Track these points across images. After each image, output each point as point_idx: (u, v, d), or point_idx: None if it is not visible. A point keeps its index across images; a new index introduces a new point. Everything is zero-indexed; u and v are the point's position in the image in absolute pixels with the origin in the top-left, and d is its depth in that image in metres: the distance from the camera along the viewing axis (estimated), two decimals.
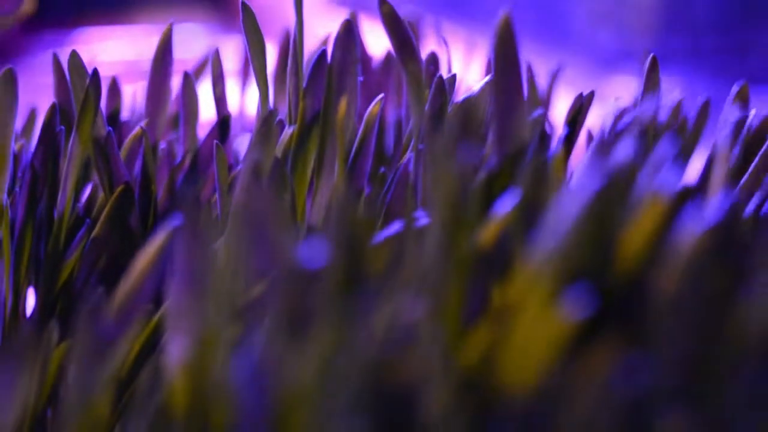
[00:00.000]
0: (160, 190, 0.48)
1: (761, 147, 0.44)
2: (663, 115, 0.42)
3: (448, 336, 0.29)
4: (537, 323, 0.26)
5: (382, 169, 0.42)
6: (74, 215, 0.46)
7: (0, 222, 0.44)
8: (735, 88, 0.52)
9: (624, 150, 0.31)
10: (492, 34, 0.36)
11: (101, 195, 0.47)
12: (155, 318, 0.39)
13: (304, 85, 0.44)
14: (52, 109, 0.46)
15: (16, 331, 0.43)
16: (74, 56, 0.45)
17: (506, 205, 0.32)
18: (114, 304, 0.33)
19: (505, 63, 0.36)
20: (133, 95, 0.59)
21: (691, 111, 0.51)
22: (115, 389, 0.34)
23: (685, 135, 0.37)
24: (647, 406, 0.22)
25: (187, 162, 0.48)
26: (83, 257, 0.45)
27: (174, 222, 0.34)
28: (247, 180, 0.27)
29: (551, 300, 0.26)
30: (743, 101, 0.51)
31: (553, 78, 0.58)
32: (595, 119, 0.47)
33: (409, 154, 0.43)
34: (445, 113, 0.40)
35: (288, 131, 0.42)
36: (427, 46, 0.59)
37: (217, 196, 0.43)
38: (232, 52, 0.72)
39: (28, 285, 0.45)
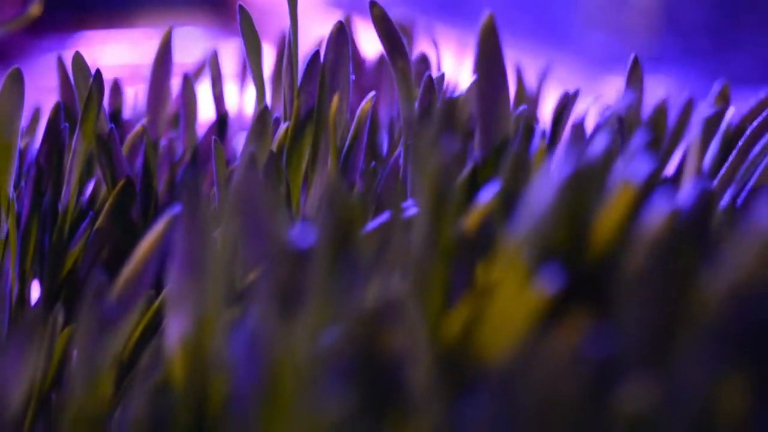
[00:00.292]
0: (161, 185, 0.50)
1: (747, 147, 0.46)
2: (643, 111, 0.44)
3: (432, 313, 0.31)
4: (513, 299, 0.28)
5: (373, 164, 0.44)
6: (78, 208, 0.48)
7: (7, 214, 0.45)
8: (716, 87, 0.54)
9: (600, 141, 0.33)
10: (476, 34, 0.38)
11: (104, 189, 0.49)
12: (156, 303, 0.40)
13: (298, 83, 0.46)
14: (57, 107, 0.48)
15: (22, 319, 0.45)
16: (78, 57, 0.47)
17: (489, 194, 0.34)
18: (116, 288, 0.35)
19: (488, 61, 0.38)
20: (135, 96, 0.61)
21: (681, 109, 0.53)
22: (118, 369, 0.36)
23: (662, 129, 0.38)
24: (612, 371, 0.24)
25: (187, 158, 0.50)
26: (86, 248, 0.47)
27: (174, 210, 0.36)
28: (243, 168, 0.29)
29: (527, 277, 0.28)
30: (724, 99, 0.53)
31: (543, 77, 0.60)
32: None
33: (399, 149, 0.45)
34: (433, 110, 0.42)
35: (283, 127, 0.44)
36: (419, 48, 0.61)
37: (215, 190, 0.45)
38: (230, 55, 0.73)
39: (33, 275, 0.47)
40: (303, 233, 0.29)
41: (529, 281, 0.28)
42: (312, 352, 0.28)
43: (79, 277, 0.47)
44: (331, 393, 0.27)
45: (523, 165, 0.34)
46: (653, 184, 0.30)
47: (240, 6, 0.48)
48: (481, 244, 0.33)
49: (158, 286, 0.42)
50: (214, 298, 0.31)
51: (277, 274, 0.28)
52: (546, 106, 0.61)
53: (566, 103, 0.47)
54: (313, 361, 0.28)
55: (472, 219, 0.34)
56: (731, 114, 0.48)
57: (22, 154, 0.52)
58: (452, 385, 0.28)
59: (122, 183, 0.47)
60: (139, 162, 0.50)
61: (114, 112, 0.55)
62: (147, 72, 0.54)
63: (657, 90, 0.64)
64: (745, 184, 0.42)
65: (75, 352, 0.34)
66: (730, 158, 0.44)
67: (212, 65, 0.55)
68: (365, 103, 0.45)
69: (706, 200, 0.32)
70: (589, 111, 0.42)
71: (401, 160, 0.44)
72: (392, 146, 0.51)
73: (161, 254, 0.38)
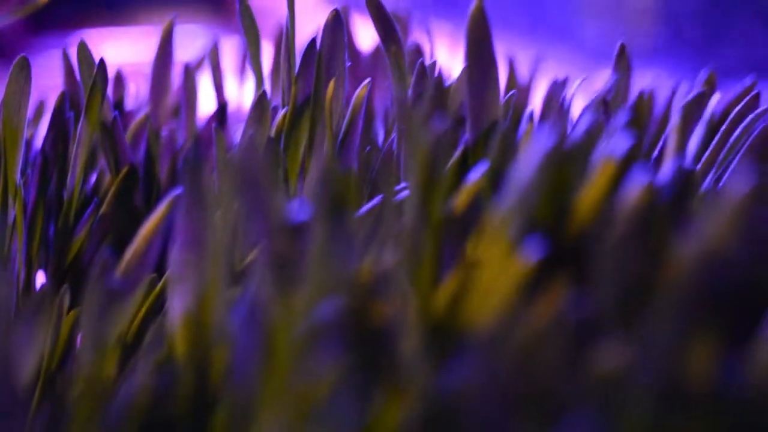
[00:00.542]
0: (163, 173, 0.52)
1: (729, 130, 0.47)
2: (631, 99, 0.45)
3: (424, 285, 0.32)
4: (498, 269, 0.29)
5: (368, 148, 0.45)
6: (83, 195, 0.49)
7: (14, 201, 0.47)
8: (702, 75, 0.55)
9: (583, 122, 0.34)
10: (466, 21, 0.39)
11: (107, 177, 0.50)
12: (159, 285, 0.42)
13: (296, 72, 0.47)
14: (62, 97, 0.50)
15: (29, 301, 0.47)
16: (83, 47, 0.48)
17: (477, 174, 0.35)
18: (122, 266, 0.36)
19: (478, 47, 0.39)
20: (136, 89, 0.62)
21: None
22: (123, 345, 0.37)
23: (644, 112, 0.40)
24: (589, 333, 0.26)
25: (189, 146, 0.51)
26: (91, 233, 0.48)
27: (176, 192, 0.37)
28: (244, 148, 0.30)
29: (511, 249, 0.29)
30: (710, 86, 0.55)
31: (535, 66, 0.61)
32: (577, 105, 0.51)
33: (393, 135, 0.46)
34: (426, 95, 0.44)
35: (281, 113, 0.46)
36: (414, 39, 0.62)
37: (215, 175, 0.46)
38: (229, 52, 0.75)
39: (39, 260, 0.49)
40: (300, 209, 0.30)
41: (513, 253, 0.29)
42: (308, 321, 0.29)
43: (84, 261, 0.48)
44: (326, 360, 0.29)
45: (510, 145, 0.36)
46: (632, 160, 0.32)
47: (241, 1, 0.50)
48: (471, 220, 0.34)
49: (161, 269, 0.43)
50: (215, 274, 0.33)
51: (275, 248, 0.30)
52: (538, 95, 0.63)
53: (556, 90, 0.48)
54: (309, 330, 0.29)
55: (462, 197, 0.35)
56: (716, 101, 0.50)
57: (28, 144, 0.54)
58: (441, 352, 0.29)
59: (126, 170, 0.48)
60: (141, 150, 0.51)
61: (117, 103, 0.56)
62: (148, 67, 0.56)
63: (650, 81, 0.66)
64: (727, 167, 0.43)
65: (81, 330, 0.35)
66: (713, 142, 0.46)
67: (212, 57, 0.57)
68: (360, 90, 0.46)
69: (682, 176, 0.33)
70: (575, 96, 0.44)
71: (395, 146, 0.45)
72: (387, 132, 0.52)
73: (164, 236, 0.40)
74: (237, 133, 0.62)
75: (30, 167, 0.50)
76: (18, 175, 0.47)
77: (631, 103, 0.39)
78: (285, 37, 0.47)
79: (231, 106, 0.59)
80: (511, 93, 0.42)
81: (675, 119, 0.39)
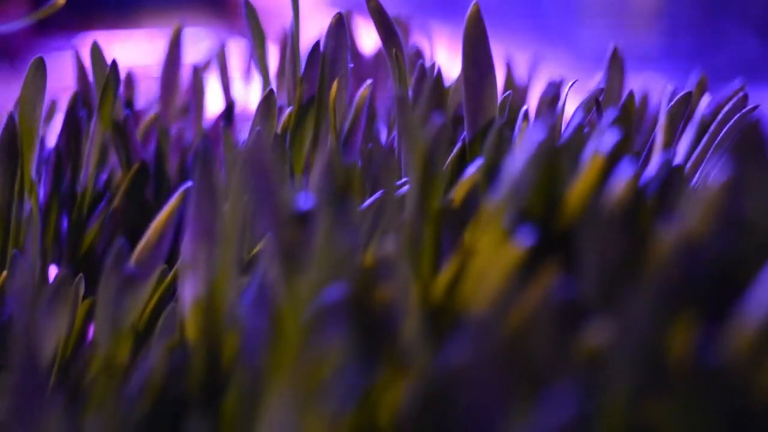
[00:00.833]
0: (172, 169, 0.54)
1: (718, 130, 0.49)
2: (618, 96, 0.47)
3: (424, 273, 0.34)
4: (492, 256, 0.31)
5: (370, 145, 0.47)
6: (95, 190, 0.51)
7: (29, 195, 0.49)
8: (693, 79, 0.57)
9: (575, 119, 0.36)
10: (463, 24, 0.41)
11: (119, 173, 0.52)
12: (170, 275, 0.44)
13: (301, 73, 0.49)
14: (75, 96, 0.52)
15: (44, 292, 0.49)
16: (96, 49, 0.50)
17: (474, 168, 0.37)
18: (136, 255, 0.38)
19: (474, 48, 0.41)
20: (146, 90, 0.64)
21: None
22: (137, 330, 0.39)
23: (633, 111, 0.42)
24: (576, 314, 0.28)
25: (198, 142, 0.53)
26: (104, 227, 0.50)
27: (186, 185, 0.39)
28: (252, 141, 0.32)
29: (504, 237, 0.31)
30: (701, 89, 0.57)
31: (533, 68, 0.63)
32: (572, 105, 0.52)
33: (394, 133, 0.48)
34: (425, 94, 0.46)
35: (287, 112, 0.48)
36: (414, 42, 0.64)
37: (223, 171, 0.48)
38: (235, 54, 0.77)
39: (53, 252, 0.51)
40: (305, 200, 0.32)
41: (506, 241, 0.31)
42: (314, 305, 0.31)
43: (97, 253, 0.50)
44: (331, 341, 0.30)
45: (505, 142, 0.38)
46: (620, 156, 0.34)
47: (246, 1, 0.52)
48: (468, 211, 0.36)
49: (172, 260, 0.45)
50: (225, 262, 0.35)
51: (282, 236, 0.32)
52: (535, 95, 0.65)
53: (551, 91, 0.50)
54: (315, 314, 0.31)
55: (459, 190, 0.37)
56: (706, 102, 0.52)
57: (41, 141, 0.55)
58: (439, 333, 0.31)
59: (137, 166, 0.50)
60: (151, 147, 0.53)
61: (128, 102, 0.58)
62: (154, 68, 0.58)
63: (645, 83, 0.68)
64: (714, 164, 0.45)
65: (97, 315, 0.37)
66: (703, 141, 0.48)
67: (220, 57, 0.59)
68: (363, 90, 0.48)
69: (667, 171, 0.35)
70: (570, 96, 0.46)
71: (396, 143, 0.47)
72: (389, 131, 0.54)
73: (175, 228, 0.42)
74: (243, 131, 0.64)
75: (44, 164, 0.52)
76: (33, 172, 0.49)
77: (621, 103, 0.41)
78: (290, 40, 0.49)
79: (237, 106, 0.61)
80: (507, 93, 0.44)
81: (661, 119, 0.41)
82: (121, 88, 0.59)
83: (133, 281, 0.35)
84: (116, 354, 0.36)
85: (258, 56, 0.50)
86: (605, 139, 0.34)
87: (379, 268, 0.32)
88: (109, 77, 0.49)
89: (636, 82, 0.64)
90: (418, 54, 0.57)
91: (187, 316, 0.35)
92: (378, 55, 0.65)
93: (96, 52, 0.50)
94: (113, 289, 0.36)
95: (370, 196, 0.42)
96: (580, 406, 0.25)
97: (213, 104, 0.62)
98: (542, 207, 0.33)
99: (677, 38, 1.03)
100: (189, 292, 0.35)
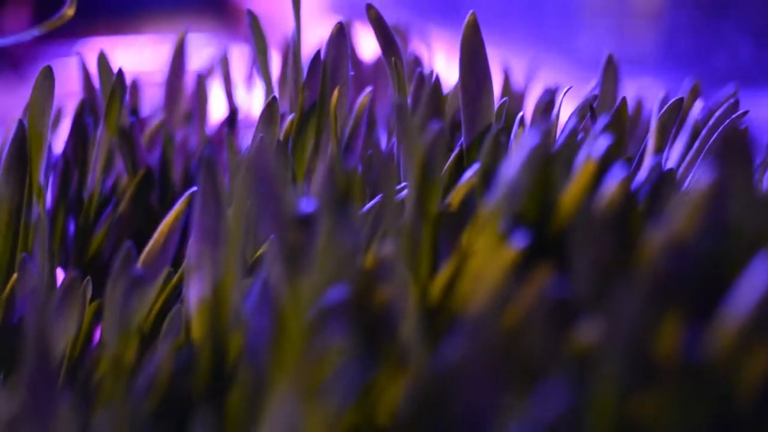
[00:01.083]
0: (177, 175, 0.55)
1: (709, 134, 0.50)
2: (612, 103, 0.48)
3: (423, 274, 0.35)
4: (488, 257, 0.32)
5: (370, 151, 0.48)
6: (102, 195, 0.52)
7: (38, 200, 0.50)
8: (687, 85, 0.59)
9: (568, 125, 0.38)
10: (461, 32, 0.42)
11: (125, 179, 0.53)
12: (175, 278, 0.45)
13: (303, 80, 0.50)
14: (82, 104, 0.53)
15: (52, 295, 0.50)
16: (102, 56, 0.52)
17: (471, 173, 0.39)
18: (143, 257, 0.39)
19: (471, 56, 0.42)
20: (150, 95, 0.66)
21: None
22: (144, 330, 0.40)
23: (626, 118, 0.43)
24: (568, 312, 0.29)
25: (202, 148, 0.55)
26: (110, 231, 0.51)
27: (192, 190, 0.40)
28: (255, 147, 0.33)
29: (500, 240, 0.32)
30: (695, 94, 0.58)
31: (530, 75, 0.64)
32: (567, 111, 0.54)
33: (394, 140, 0.49)
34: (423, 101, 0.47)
35: (289, 119, 0.49)
36: (413, 49, 0.65)
37: (227, 177, 0.49)
38: (236, 60, 0.78)
39: (60, 256, 0.52)
40: (307, 203, 0.33)
41: (501, 243, 0.32)
42: (316, 305, 0.32)
43: (104, 256, 0.51)
44: (332, 340, 0.31)
45: (500, 147, 0.39)
46: (612, 160, 0.35)
47: (248, 11, 0.53)
48: (465, 214, 0.37)
49: (177, 264, 0.46)
50: (229, 264, 0.36)
51: (285, 238, 0.33)
52: (532, 102, 0.66)
53: (546, 97, 0.51)
54: (317, 314, 0.32)
55: (457, 194, 0.38)
56: (699, 108, 0.53)
57: (49, 148, 0.57)
58: (437, 332, 0.32)
59: (142, 172, 0.51)
60: (157, 154, 0.54)
61: (133, 109, 0.59)
62: (156, 74, 0.59)
63: (642, 89, 0.69)
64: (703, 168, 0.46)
65: (105, 314, 0.38)
66: (695, 145, 0.49)
67: (223, 64, 0.60)
68: (363, 97, 0.49)
69: (658, 174, 0.36)
70: (565, 102, 0.47)
71: (396, 149, 0.48)
72: (389, 137, 0.55)
73: (181, 231, 0.43)
74: (246, 138, 0.65)
75: (52, 170, 0.53)
76: (41, 177, 0.50)
77: (614, 109, 0.42)
78: (292, 48, 0.50)
79: (240, 113, 0.62)
80: (503, 100, 0.45)
81: (653, 124, 0.42)
82: (127, 96, 0.60)
83: (140, 283, 0.36)
84: (124, 353, 0.37)
85: (260, 64, 0.51)
86: (597, 144, 0.36)
87: (378, 270, 0.33)
88: (115, 85, 0.50)
89: (634, 88, 0.65)
90: (417, 62, 0.58)
91: (193, 316, 0.36)
92: (378, 63, 0.66)
93: (102, 60, 0.51)
94: (121, 291, 0.37)
95: (371, 200, 0.43)
96: (571, 400, 0.26)
97: (216, 111, 0.63)
98: (536, 211, 0.34)
99: (677, 43, 1.05)
100: (194, 293, 0.37)
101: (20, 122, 0.45)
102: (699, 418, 0.27)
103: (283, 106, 0.55)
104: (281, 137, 0.48)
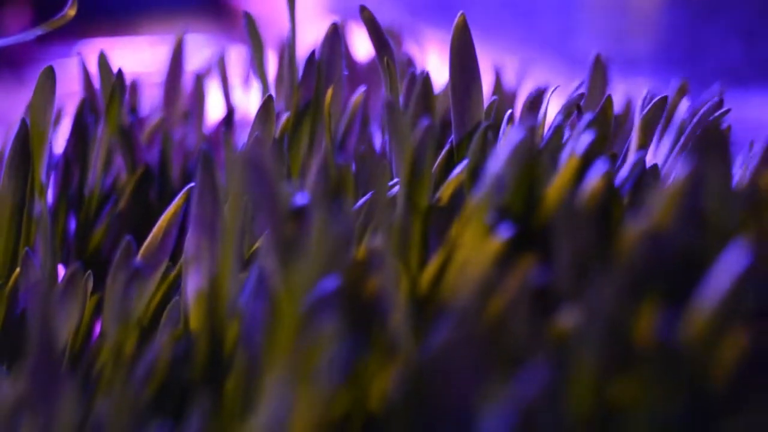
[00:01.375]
0: (176, 172, 0.56)
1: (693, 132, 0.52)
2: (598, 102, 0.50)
3: (411, 264, 0.37)
4: (474, 248, 0.33)
5: (363, 148, 0.49)
6: (102, 192, 0.54)
7: (40, 198, 0.51)
8: (674, 85, 0.60)
9: (554, 122, 0.39)
10: (449, 33, 0.44)
11: (124, 176, 0.55)
12: (173, 272, 0.46)
13: (298, 79, 0.51)
14: (82, 103, 0.54)
15: (53, 290, 0.51)
16: (102, 57, 0.53)
17: (460, 168, 0.40)
18: (143, 251, 0.41)
19: (461, 56, 0.44)
20: (148, 95, 0.67)
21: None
22: (142, 323, 0.42)
23: (610, 114, 0.44)
24: (550, 298, 0.30)
25: (200, 146, 0.56)
26: (110, 227, 0.52)
27: (190, 186, 0.41)
28: (251, 144, 0.35)
29: (486, 231, 0.34)
30: (682, 93, 0.59)
31: (521, 74, 0.66)
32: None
33: (386, 137, 0.50)
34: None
35: (285, 117, 0.50)
36: (407, 49, 0.66)
37: (224, 175, 0.51)
38: (234, 60, 0.79)
39: (62, 251, 0.53)
40: (301, 196, 0.34)
41: (487, 235, 0.34)
42: (309, 295, 0.33)
43: (104, 252, 0.53)
44: (324, 329, 0.33)
45: (488, 144, 0.40)
46: (595, 156, 0.36)
47: (245, 12, 0.54)
48: (455, 208, 0.38)
49: (175, 258, 0.47)
50: (226, 256, 0.37)
51: (279, 231, 0.34)
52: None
53: (535, 95, 0.52)
54: (310, 303, 0.33)
55: (446, 189, 0.40)
56: (686, 106, 0.54)
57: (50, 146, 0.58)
58: (426, 321, 0.33)
59: (142, 169, 0.53)
60: (155, 152, 0.56)
61: (132, 108, 0.61)
62: (154, 75, 0.61)
63: (633, 88, 0.70)
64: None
65: (106, 305, 0.40)
66: (680, 143, 0.50)
67: (220, 65, 0.61)
68: (357, 96, 0.51)
69: (640, 169, 0.38)
70: (554, 101, 0.48)
71: (387, 146, 0.50)
72: (382, 134, 0.56)
73: (179, 226, 0.44)
74: (243, 136, 0.66)
75: (53, 168, 0.54)
76: (43, 174, 0.52)
77: (600, 106, 0.43)
78: (287, 48, 0.51)
79: (238, 112, 0.63)
80: (493, 98, 0.47)
81: (636, 122, 0.44)
82: (126, 95, 0.62)
83: (139, 275, 0.37)
84: (124, 342, 0.38)
85: (257, 64, 0.53)
86: (581, 140, 0.37)
87: (369, 261, 0.34)
88: (115, 85, 0.51)
89: (628, 87, 0.66)
90: (410, 62, 0.59)
91: (191, 307, 0.38)
92: (372, 63, 0.67)
93: (103, 61, 0.52)
94: (121, 282, 0.38)
95: (363, 196, 0.44)
96: (551, 382, 0.27)
97: (214, 110, 0.65)
98: (522, 204, 0.36)
99: (673, 43, 1.06)
100: (192, 285, 0.38)
101: (23, 121, 0.47)
102: (673, 399, 0.28)
103: (280, 105, 0.57)
104: (277, 135, 0.49)
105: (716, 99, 0.52)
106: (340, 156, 0.49)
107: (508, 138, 0.35)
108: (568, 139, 0.40)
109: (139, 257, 0.42)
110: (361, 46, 0.69)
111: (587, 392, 0.28)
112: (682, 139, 0.50)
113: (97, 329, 0.48)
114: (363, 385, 0.33)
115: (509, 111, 0.45)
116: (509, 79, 0.66)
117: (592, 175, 0.34)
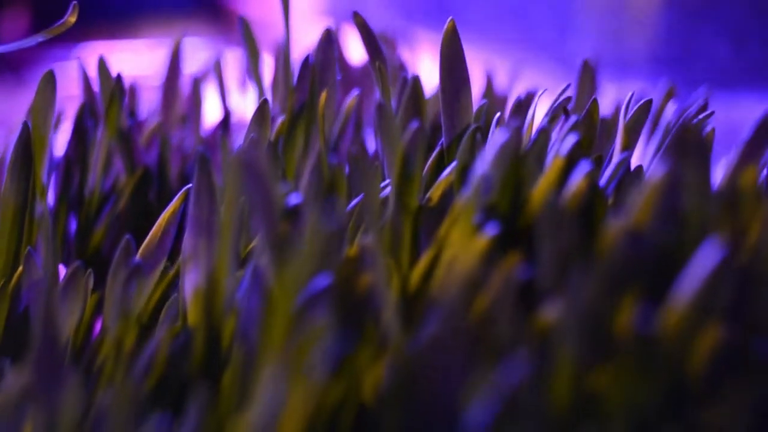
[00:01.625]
0: (174, 174, 0.57)
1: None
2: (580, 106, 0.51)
3: (402, 263, 0.38)
4: (462, 246, 0.35)
5: (355, 150, 0.50)
6: (102, 194, 0.55)
7: (41, 199, 0.52)
8: (663, 88, 0.61)
9: (541, 126, 0.40)
10: (440, 38, 0.45)
11: (124, 178, 0.56)
12: (172, 272, 0.47)
13: (293, 83, 0.53)
14: (82, 106, 0.55)
15: (55, 288, 0.52)
16: (102, 61, 0.54)
17: (449, 171, 0.41)
18: (142, 249, 0.42)
19: (451, 61, 0.45)
20: (148, 100, 0.68)
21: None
22: (141, 320, 0.43)
23: (596, 116, 0.45)
24: (533, 293, 0.31)
25: (197, 148, 0.57)
26: (109, 228, 0.54)
27: (188, 187, 0.43)
28: (246, 145, 0.36)
29: (473, 230, 0.35)
30: (669, 97, 0.60)
31: (512, 78, 0.67)
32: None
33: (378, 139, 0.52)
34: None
35: (280, 120, 0.51)
36: (401, 52, 0.68)
37: (221, 177, 0.52)
38: (230, 64, 0.80)
39: (63, 251, 0.54)
40: (295, 196, 0.36)
41: (474, 233, 0.35)
42: (302, 290, 0.35)
43: (103, 253, 0.54)
44: (317, 323, 0.34)
45: (477, 145, 0.42)
46: (579, 157, 0.37)
47: (241, 17, 0.55)
48: (444, 209, 0.40)
49: (173, 258, 0.49)
50: (223, 254, 0.38)
51: (274, 229, 0.35)
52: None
53: (524, 99, 0.54)
54: (304, 299, 0.35)
55: (436, 190, 0.41)
56: (672, 109, 0.56)
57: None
58: (416, 316, 0.35)
59: (140, 171, 0.54)
60: (154, 154, 0.57)
61: (131, 112, 0.62)
62: (151, 78, 0.62)
63: (625, 91, 0.71)
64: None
65: (107, 302, 0.41)
66: (665, 145, 0.52)
67: (216, 69, 0.62)
68: (350, 100, 0.52)
69: (623, 169, 0.39)
70: (542, 104, 0.49)
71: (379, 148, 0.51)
72: (376, 137, 0.58)
73: (177, 226, 0.46)
74: (239, 139, 0.67)
75: (54, 170, 0.55)
76: (44, 176, 0.53)
77: (586, 109, 0.44)
78: (282, 53, 0.53)
79: (234, 116, 0.64)
80: (483, 102, 0.48)
81: (620, 124, 0.45)
82: (125, 99, 0.63)
83: (139, 272, 0.38)
84: (124, 338, 0.39)
85: (252, 68, 0.54)
86: (565, 142, 0.38)
87: (361, 258, 0.35)
88: (114, 89, 0.53)
89: (620, 90, 0.67)
90: (402, 66, 0.60)
91: (189, 304, 0.39)
92: (366, 66, 0.68)
93: (102, 65, 0.54)
94: (122, 280, 0.39)
95: (356, 197, 0.45)
96: (533, 370, 0.29)
97: (211, 113, 0.66)
98: (508, 204, 0.37)
99: (669, 46, 1.07)
100: (190, 282, 0.39)
101: (25, 124, 0.48)
102: (649, 388, 0.29)
103: (275, 108, 0.58)
104: (272, 138, 0.50)
105: (701, 101, 0.54)
106: (333, 158, 0.50)
107: (494, 140, 0.37)
108: (554, 142, 0.41)
109: (138, 256, 0.43)
110: (356, 49, 0.70)
111: (567, 381, 0.29)
112: (668, 141, 0.51)
113: (98, 327, 0.49)
114: (355, 377, 0.34)
115: (498, 114, 0.46)
116: (502, 82, 0.67)
117: (576, 176, 0.35)
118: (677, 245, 0.32)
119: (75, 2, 0.46)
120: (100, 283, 0.47)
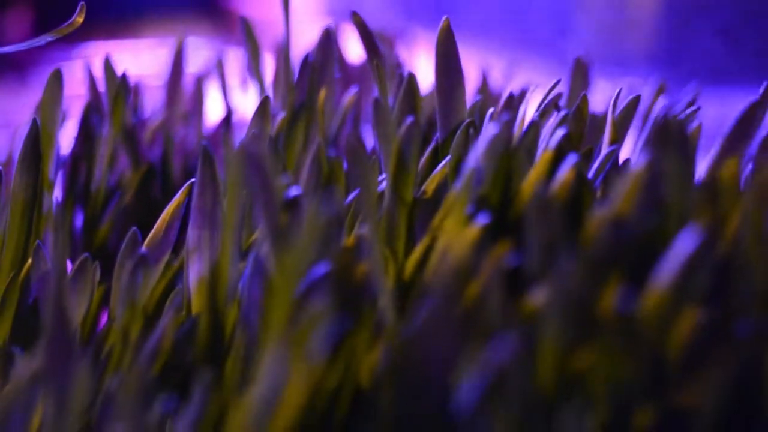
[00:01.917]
0: (177, 170, 0.59)
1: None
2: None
3: (398, 253, 0.40)
4: (454, 235, 0.36)
5: (354, 145, 0.52)
6: (107, 189, 0.56)
7: (48, 194, 0.54)
8: (653, 84, 0.63)
9: (530, 121, 0.42)
10: (436, 37, 0.46)
11: (129, 174, 0.58)
12: (177, 261, 0.49)
13: (294, 81, 0.54)
14: (88, 105, 0.57)
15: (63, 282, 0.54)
16: (107, 61, 0.56)
17: (443, 164, 0.43)
18: (147, 241, 0.44)
19: (446, 59, 0.47)
20: (151, 98, 0.70)
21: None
22: (147, 309, 0.44)
23: (585, 112, 0.47)
24: (521, 279, 0.33)
25: (200, 145, 0.59)
26: (115, 222, 0.55)
27: (191, 181, 0.44)
28: (249, 140, 0.37)
29: (465, 220, 0.36)
30: (660, 93, 0.62)
31: (507, 75, 0.68)
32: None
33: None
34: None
35: (280, 117, 0.53)
36: (399, 51, 0.69)
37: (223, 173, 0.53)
38: (232, 63, 0.82)
39: (70, 245, 0.56)
40: (295, 188, 0.37)
41: (466, 223, 0.36)
42: (302, 278, 0.36)
43: (109, 246, 0.55)
44: (316, 308, 0.36)
45: (470, 139, 0.43)
46: (568, 151, 0.39)
47: (242, 17, 0.57)
48: (439, 201, 0.41)
49: (177, 251, 0.50)
50: (226, 245, 0.40)
51: (274, 220, 0.37)
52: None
53: (516, 95, 0.55)
54: (304, 287, 0.36)
55: (431, 183, 0.43)
56: (661, 105, 0.57)
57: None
58: (410, 301, 0.36)
59: (145, 168, 0.56)
60: (158, 151, 0.59)
61: (135, 110, 0.64)
62: (156, 78, 0.64)
63: (618, 87, 0.73)
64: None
65: (113, 292, 0.42)
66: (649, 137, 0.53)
67: (218, 67, 0.64)
68: (349, 97, 0.54)
69: (610, 162, 0.40)
70: (534, 100, 0.51)
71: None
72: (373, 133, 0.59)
73: (181, 219, 0.47)
74: (241, 136, 0.69)
75: (61, 166, 0.57)
76: (52, 172, 0.54)
77: (575, 104, 0.46)
78: (282, 52, 0.54)
79: (236, 114, 0.66)
80: (477, 98, 0.49)
81: (608, 119, 0.47)
82: (130, 97, 0.65)
83: (145, 263, 0.40)
84: (131, 326, 0.41)
85: (253, 67, 0.56)
86: (554, 136, 0.40)
87: (358, 247, 0.37)
88: (119, 88, 0.54)
89: (615, 86, 0.69)
90: (399, 65, 0.62)
91: (193, 293, 0.41)
92: (365, 64, 0.70)
93: (108, 65, 0.55)
94: (128, 270, 0.41)
95: (354, 190, 0.47)
96: (521, 350, 0.30)
97: (213, 111, 0.68)
98: (499, 195, 0.38)
99: (665, 43, 1.09)
100: (194, 272, 0.41)
101: (34, 121, 0.49)
102: (631, 367, 0.31)
103: (276, 106, 0.60)
104: (273, 134, 0.52)
105: (690, 97, 0.55)
106: (332, 152, 0.52)
107: (484, 133, 0.38)
108: (544, 136, 0.43)
109: (145, 246, 0.45)
110: (354, 48, 0.71)
111: (553, 361, 0.31)
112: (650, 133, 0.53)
113: (104, 319, 0.51)
114: (352, 360, 0.35)
115: (491, 109, 0.48)
116: (497, 79, 0.68)
117: (563, 168, 0.37)
118: (658, 233, 0.33)
119: (82, 2, 0.48)
120: (106, 275, 0.48)
